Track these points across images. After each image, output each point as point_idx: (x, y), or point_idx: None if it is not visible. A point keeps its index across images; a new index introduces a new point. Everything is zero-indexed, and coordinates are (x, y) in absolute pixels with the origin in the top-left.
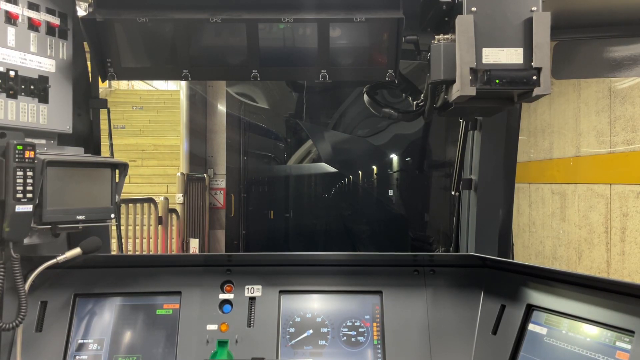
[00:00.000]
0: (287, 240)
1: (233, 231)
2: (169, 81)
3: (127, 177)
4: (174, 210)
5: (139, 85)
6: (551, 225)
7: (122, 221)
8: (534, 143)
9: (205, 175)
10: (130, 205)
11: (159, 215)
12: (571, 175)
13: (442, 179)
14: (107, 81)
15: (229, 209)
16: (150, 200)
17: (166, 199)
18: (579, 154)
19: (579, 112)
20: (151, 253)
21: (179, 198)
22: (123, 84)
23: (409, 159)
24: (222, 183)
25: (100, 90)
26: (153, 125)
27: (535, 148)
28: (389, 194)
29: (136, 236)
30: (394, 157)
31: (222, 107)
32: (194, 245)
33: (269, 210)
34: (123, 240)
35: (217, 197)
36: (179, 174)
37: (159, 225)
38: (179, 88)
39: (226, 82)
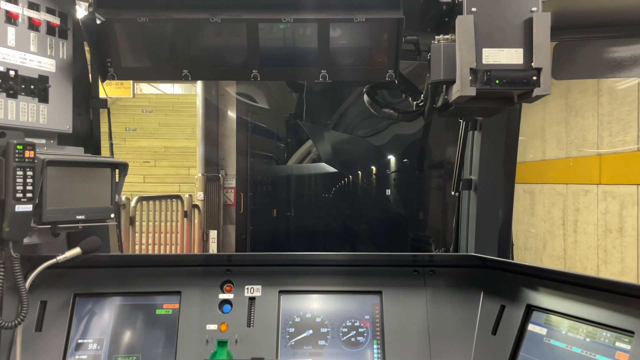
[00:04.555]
0: (288, 236)
1: (242, 226)
2: (176, 85)
3: (142, 177)
4: (195, 206)
5: (147, 89)
6: (523, 220)
7: (152, 216)
8: None
9: (220, 175)
10: (163, 201)
11: (184, 209)
12: (538, 176)
13: (441, 179)
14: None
15: (239, 206)
16: (177, 197)
17: (190, 196)
18: (545, 158)
19: (544, 122)
20: (151, 253)
21: (200, 195)
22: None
23: (406, 160)
24: (232, 182)
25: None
26: (162, 128)
27: None
28: (387, 194)
29: (167, 231)
30: (394, 158)
31: (232, 114)
32: (213, 236)
33: (272, 209)
34: (150, 234)
35: (228, 195)
36: (199, 174)
37: (185, 219)
38: (184, 92)
39: (236, 90)
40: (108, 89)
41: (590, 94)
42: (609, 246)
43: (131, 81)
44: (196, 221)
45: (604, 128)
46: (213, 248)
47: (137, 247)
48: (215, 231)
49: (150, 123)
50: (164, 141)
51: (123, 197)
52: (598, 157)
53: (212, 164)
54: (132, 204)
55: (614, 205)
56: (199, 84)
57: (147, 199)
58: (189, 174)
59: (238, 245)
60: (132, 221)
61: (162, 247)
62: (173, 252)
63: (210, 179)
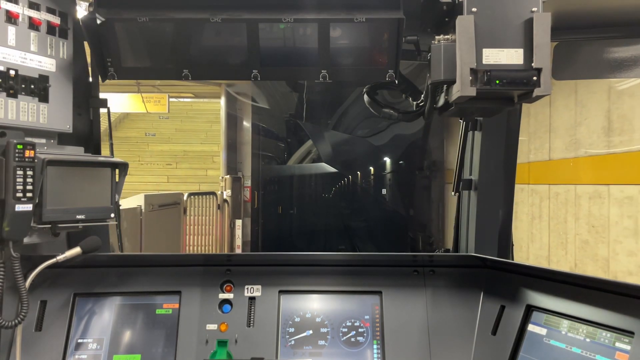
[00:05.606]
0: (291, 232)
1: (255, 220)
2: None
3: (166, 177)
4: (225, 201)
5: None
6: None
7: (197, 210)
8: None
9: (240, 176)
10: (203, 197)
11: (218, 203)
12: None
13: (427, 179)
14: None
15: (254, 202)
16: (212, 194)
17: (222, 192)
18: None
19: None
20: (152, 253)
21: (228, 193)
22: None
23: (401, 162)
24: (248, 182)
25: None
26: (179, 133)
27: None
28: (383, 193)
29: (206, 223)
30: (392, 159)
31: (247, 124)
32: (239, 224)
33: (278, 206)
34: (196, 225)
35: (244, 193)
36: (228, 176)
37: (218, 210)
38: (194, 99)
39: (251, 100)
40: (148, 105)
41: (524, 116)
42: (533, 230)
43: (167, 97)
44: (226, 213)
45: (531, 142)
46: (239, 234)
47: (187, 237)
48: (241, 220)
49: (168, 129)
50: (183, 146)
51: (184, 196)
52: (528, 164)
53: (230, 166)
54: (184, 198)
55: (536, 199)
56: (223, 98)
57: (194, 194)
58: (207, 175)
59: (252, 236)
60: (185, 211)
61: (204, 236)
62: (212, 237)
63: (235, 179)
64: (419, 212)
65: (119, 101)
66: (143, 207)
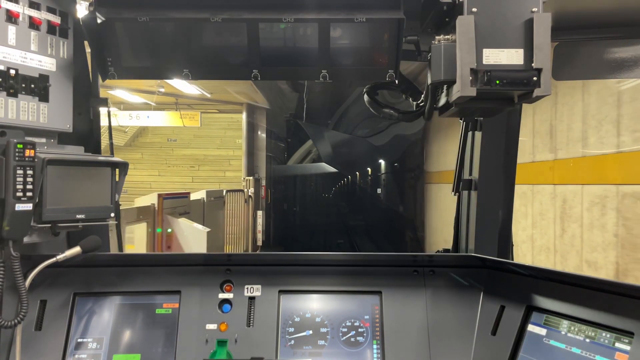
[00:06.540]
0: (294, 227)
1: (268, 213)
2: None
3: (191, 178)
4: (250, 196)
5: None
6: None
7: (230, 206)
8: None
9: (259, 177)
10: (235, 193)
11: (245, 198)
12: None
13: (413, 179)
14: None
15: (267, 198)
16: (241, 191)
17: (247, 190)
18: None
19: (455, 145)
20: (152, 252)
21: (251, 190)
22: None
23: (396, 164)
24: (263, 182)
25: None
26: (197, 139)
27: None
28: (378, 192)
29: (237, 215)
30: (388, 161)
31: (262, 134)
32: (260, 215)
33: (284, 203)
34: (231, 218)
35: (261, 191)
36: (250, 178)
37: (245, 204)
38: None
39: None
40: (184, 121)
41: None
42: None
43: (199, 114)
44: (250, 206)
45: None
46: (259, 222)
47: (227, 227)
48: (261, 211)
49: (187, 134)
50: (203, 150)
51: (224, 192)
52: None
53: (249, 168)
54: (224, 193)
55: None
56: (244, 113)
57: (230, 191)
58: (225, 175)
59: (266, 226)
60: (224, 203)
61: (236, 226)
62: (241, 225)
63: (256, 180)
64: (408, 209)
65: (161, 118)
66: (205, 199)
